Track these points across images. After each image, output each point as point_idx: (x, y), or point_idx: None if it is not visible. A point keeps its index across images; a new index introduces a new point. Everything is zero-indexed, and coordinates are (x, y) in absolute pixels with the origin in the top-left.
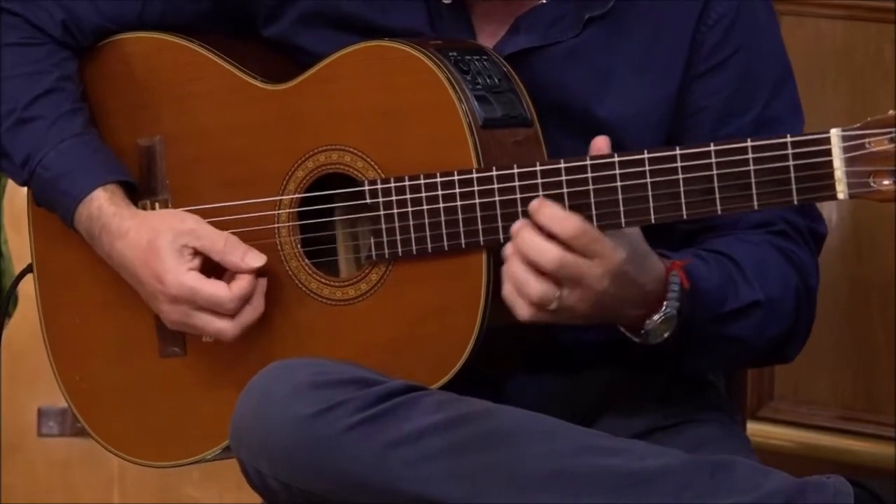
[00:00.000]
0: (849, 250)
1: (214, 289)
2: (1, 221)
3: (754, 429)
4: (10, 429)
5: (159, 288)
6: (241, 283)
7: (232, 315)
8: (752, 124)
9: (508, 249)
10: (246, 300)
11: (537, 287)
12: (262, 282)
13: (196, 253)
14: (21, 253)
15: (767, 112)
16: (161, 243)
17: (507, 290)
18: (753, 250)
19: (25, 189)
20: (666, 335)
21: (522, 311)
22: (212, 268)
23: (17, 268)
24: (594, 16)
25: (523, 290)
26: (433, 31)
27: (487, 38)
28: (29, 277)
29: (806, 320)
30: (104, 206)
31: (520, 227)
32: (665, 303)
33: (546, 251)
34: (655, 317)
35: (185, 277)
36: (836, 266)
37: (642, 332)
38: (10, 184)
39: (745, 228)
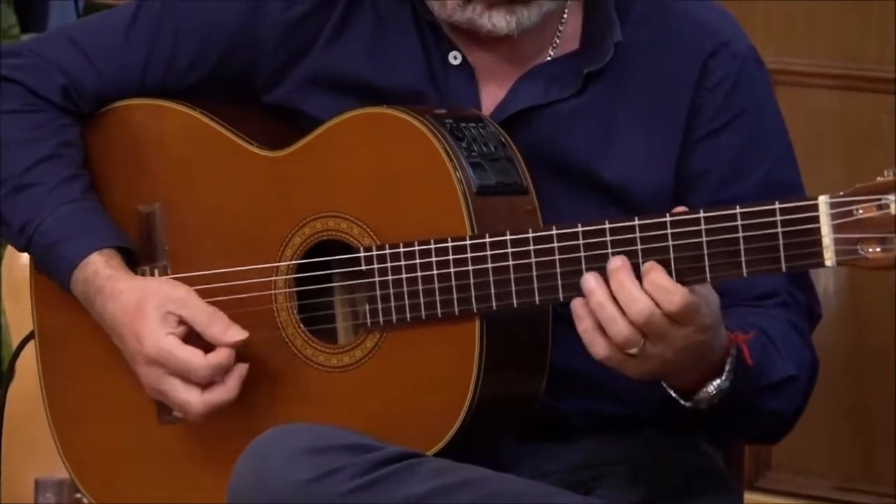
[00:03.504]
0: (846, 318)
1: (188, 354)
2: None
3: (752, 499)
4: (8, 500)
5: (137, 348)
6: (218, 354)
7: (202, 386)
8: (756, 188)
9: (592, 283)
10: (220, 372)
11: (626, 330)
12: (242, 367)
13: (181, 322)
14: (19, 324)
15: (771, 177)
16: (148, 306)
17: (587, 326)
18: (777, 325)
19: (25, 258)
20: (715, 402)
21: (601, 349)
22: (197, 343)
23: (15, 339)
24: (593, 71)
25: (610, 328)
26: (436, 91)
27: (490, 97)
28: (28, 346)
29: (807, 399)
30: (100, 269)
31: (617, 267)
32: (724, 374)
33: (637, 301)
34: (711, 387)
35: (163, 340)
36: (833, 333)
37: (695, 397)
38: (8, 254)
39: (750, 299)
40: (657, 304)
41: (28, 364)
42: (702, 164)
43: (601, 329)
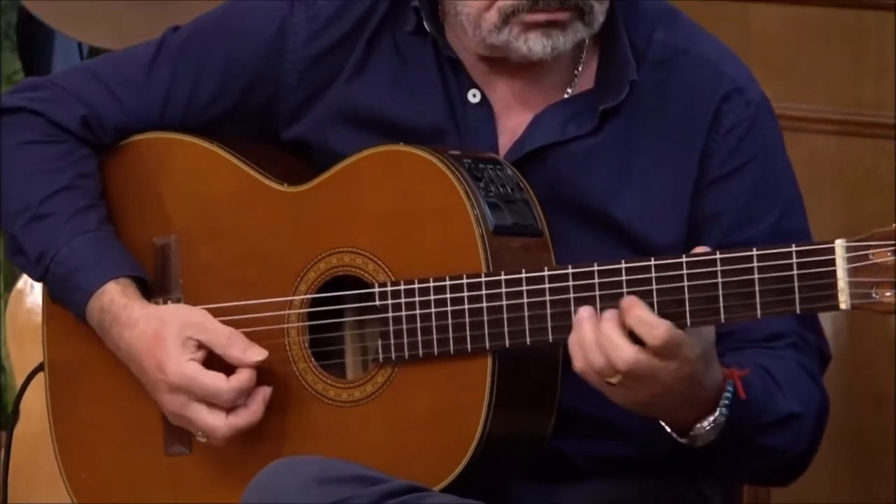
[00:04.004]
0: (845, 362)
1: (212, 380)
2: (3, 336)
3: None
4: None
5: (160, 377)
6: (241, 377)
7: (227, 409)
8: (765, 234)
9: (585, 313)
10: (244, 394)
11: (599, 362)
12: (266, 390)
13: (200, 346)
14: (23, 367)
15: (780, 224)
16: (167, 333)
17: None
18: (784, 365)
19: (29, 303)
20: (712, 438)
21: (578, 362)
22: (216, 364)
23: (19, 382)
24: (608, 108)
25: (587, 357)
26: (455, 127)
27: (507, 134)
28: (34, 383)
29: (819, 439)
30: (116, 298)
31: (606, 321)
32: (718, 409)
33: (621, 350)
34: (706, 423)
35: (186, 367)
36: (832, 377)
37: (691, 433)
38: (13, 300)
39: (759, 339)
40: (643, 340)
41: (32, 406)
42: (713, 207)
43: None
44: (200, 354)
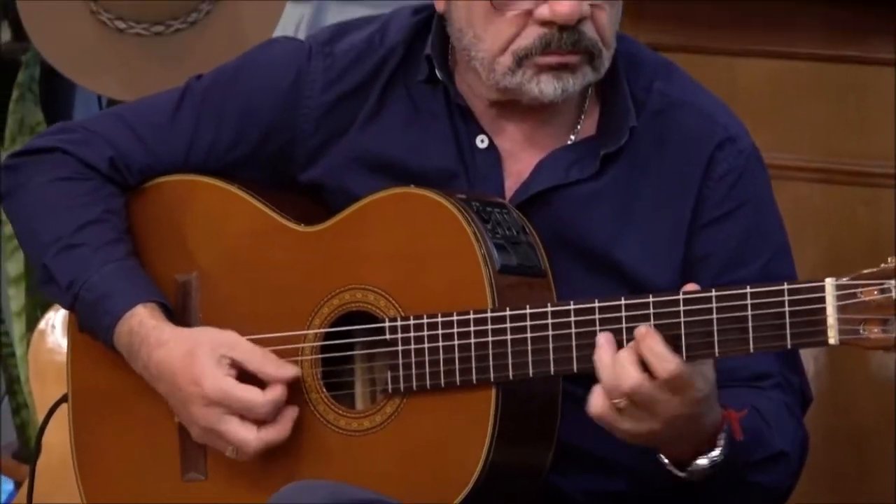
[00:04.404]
0: (825, 401)
1: (248, 393)
2: (26, 374)
3: None
4: None
5: (196, 391)
6: (275, 390)
7: (261, 422)
8: (754, 276)
9: (602, 339)
10: (278, 408)
11: (610, 381)
12: (293, 409)
13: (233, 364)
14: (45, 404)
15: (769, 268)
16: (200, 352)
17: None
18: (771, 405)
19: (50, 344)
20: (708, 474)
21: (597, 403)
22: (248, 383)
23: (40, 419)
24: (609, 153)
25: (600, 375)
26: (465, 171)
27: (513, 177)
28: (57, 417)
29: (800, 475)
30: (145, 320)
31: (623, 357)
32: (717, 449)
33: (628, 373)
34: (705, 459)
35: (223, 381)
36: (812, 416)
37: (688, 468)
38: (35, 341)
39: (747, 378)
40: (652, 370)
41: (51, 441)
42: (704, 249)
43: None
44: (234, 372)
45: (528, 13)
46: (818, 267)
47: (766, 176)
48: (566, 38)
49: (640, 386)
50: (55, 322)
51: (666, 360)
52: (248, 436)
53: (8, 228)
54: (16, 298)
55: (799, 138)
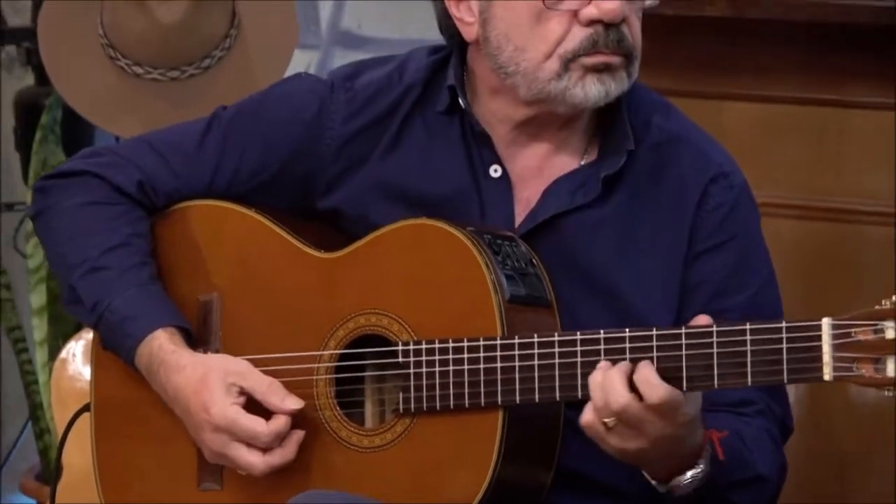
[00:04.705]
0: (806, 427)
1: (252, 423)
2: (48, 400)
3: None
4: None
5: (205, 417)
6: (278, 422)
7: (264, 450)
8: (741, 307)
9: (602, 362)
10: (280, 438)
11: (599, 401)
12: (299, 433)
13: (242, 392)
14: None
15: (756, 299)
16: (212, 378)
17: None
18: (753, 430)
19: (71, 371)
20: (689, 491)
21: (586, 414)
22: (256, 409)
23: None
24: (609, 174)
25: (592, 395)
26: (478, 198)
27: (522, 204)
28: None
29: (777, 500)
30: (164, 344)
31: (614, 373)
32: (699, 467)
33: (617, 393)
34: (687, 476)
35: (229, 410)
36: (794, 442)
37: (670, 483)
38: (57, 367)
39: (731, 404)
40: (640, 395)
41: (72, 462)
42: (696, 277)
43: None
44: (242, 400)
45: (574, 16)
46: (796, 298)
47: (756, 210)
48: (612, 35)
49: (629, 406)
50: (76, 351)
51: (656, 387)
52: (255, 460)
53: (31, 262)
54: (39, 328)
55: (779, 176)
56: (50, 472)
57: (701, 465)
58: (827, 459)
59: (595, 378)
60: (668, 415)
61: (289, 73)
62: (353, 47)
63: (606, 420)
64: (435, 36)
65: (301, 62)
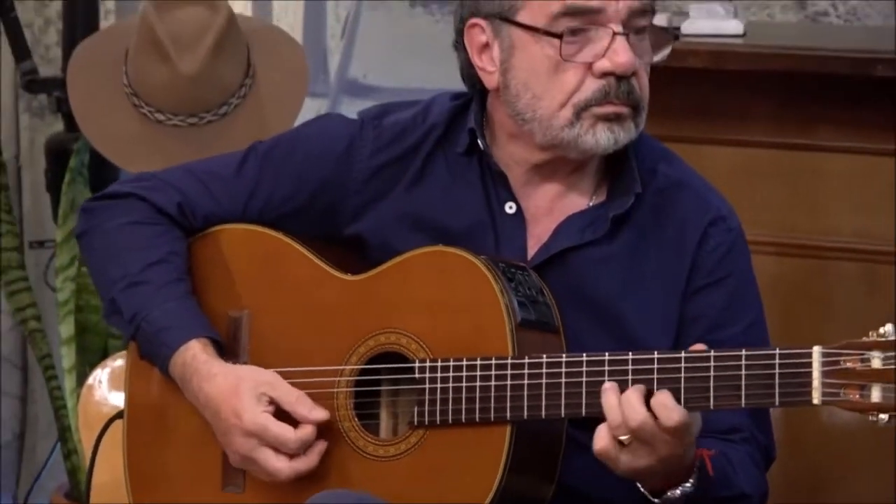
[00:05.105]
0: (781, 444)
1: (282, 430)
2: (76, 423)
3: None
4: None
5: (236, 423)
6: (306, 430)
7: (291, 456)
8: (739, 336)
9: (607, 384)
10: (306, 446)
11: (617, 418)
12: (322, 443)
13: (272, 402)
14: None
15: (750, 331)
16: (243, 388)
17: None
18: (738, 454)
19: (98, 395)
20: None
21: (601, 440)
22: (283, 419)
23: (87, 463)
24: (617, 215)
25: (609, 416)
26: (494, 232)
27: (535, 238)
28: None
29: None
30: (198, 354)
31: (632, 391)
32: (690, 480)
33: (635, 411)
34: (679, 490)
35: (260, 416)
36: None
37: (663, 496)
38: (85, 393)
39: (719, 431)
40: (656, 417)
41: (100, 481)
42: (695, 311)
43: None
44: (271, 409)
45: (588, 68)
46: (774, 329)
47: (749, 252)
48: (623, 87)
49: (645, 423)
50: (101, 378)
51: (672, 411)
52: (281, 465)
53: (60, 296)
54: (67, 357)
55: (757, 216)
56: (78, 491)
57: (691, 481)
58: (801, 478)
59: (610, 400)
60: (678, 435)
61: (299, 121)
62: (359, 95)
63: (622, 438)
64: (431, 85)
65: (311, 109)
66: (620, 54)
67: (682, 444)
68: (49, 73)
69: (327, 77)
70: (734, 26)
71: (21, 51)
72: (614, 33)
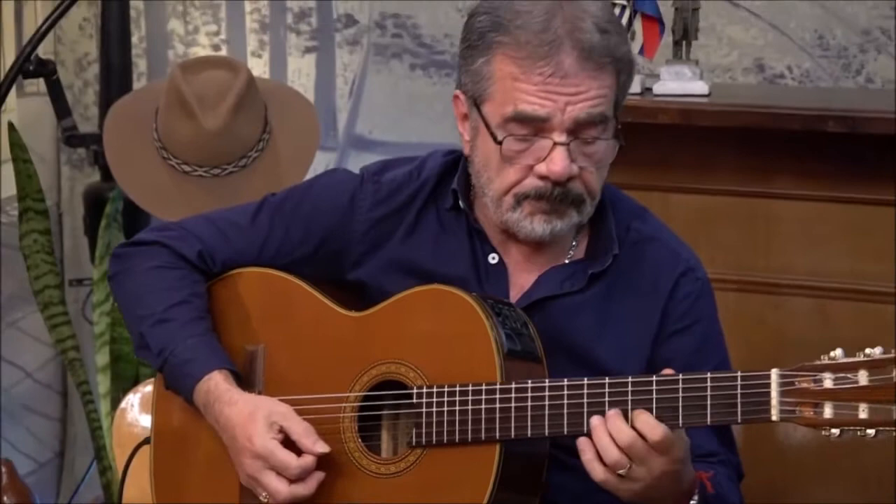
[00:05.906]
0: (742, 453)
1: (286, 456)
2: (110, 443)
3: None
4: None
5: (247, 445)
6: (307, 459)
7: (291, 481)
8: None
9: (595, 421)
10: (307, 473)
11: (616, 454)
12: (321, 474)
13: (281, 430)
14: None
15: (719, 369)
16: (259, 415)
17: (590, 456)
18: (719, 475)
19: (130, 417)
20: None
21: (599, 474)
22: (290, 447)
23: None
24: (595, 272)
25: (603, 454)
26: (478, 281)
27: (516, 287)
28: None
29: None
30: (220, 383)
31: (612, 413)
32: (694, 499)
33: (623, 432)
34: None
35: (269, 442)
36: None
37: None
38: (118, 415)
39: (699, 455)
40: (643, 436)
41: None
42: (667, 354)
43: (599, 458)
44: (281, 437)
45: (530, 168)
46: (735, 356)
47: (714, 298)
48: (557, 192)
49: (635, 441)
50: (133, 402)
51: (655, 427)
52: (281, 488)
53: (96, 328)
54: (103, 383)
55: (718, 256)
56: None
57: (695, 499)
58: (761, 490)
59: (596, 426)
60: (666, 451)
61: (311, 171)
62: (365, 149)
63: (621, 472)
64: (429, 140)
65: (322, 161)
66: (556, 163)
67: (670, 461)
68: (87, 129)
69: (336, 133)
70: (700, 87)
71: (62, 109)
72: (554, 143)
